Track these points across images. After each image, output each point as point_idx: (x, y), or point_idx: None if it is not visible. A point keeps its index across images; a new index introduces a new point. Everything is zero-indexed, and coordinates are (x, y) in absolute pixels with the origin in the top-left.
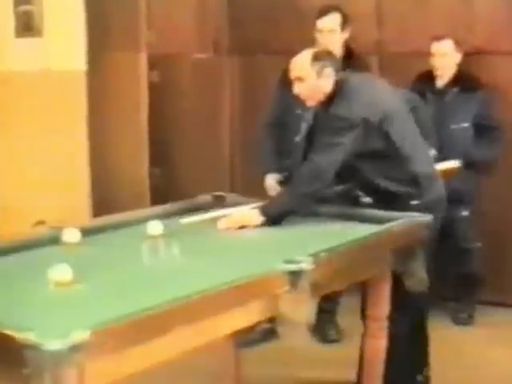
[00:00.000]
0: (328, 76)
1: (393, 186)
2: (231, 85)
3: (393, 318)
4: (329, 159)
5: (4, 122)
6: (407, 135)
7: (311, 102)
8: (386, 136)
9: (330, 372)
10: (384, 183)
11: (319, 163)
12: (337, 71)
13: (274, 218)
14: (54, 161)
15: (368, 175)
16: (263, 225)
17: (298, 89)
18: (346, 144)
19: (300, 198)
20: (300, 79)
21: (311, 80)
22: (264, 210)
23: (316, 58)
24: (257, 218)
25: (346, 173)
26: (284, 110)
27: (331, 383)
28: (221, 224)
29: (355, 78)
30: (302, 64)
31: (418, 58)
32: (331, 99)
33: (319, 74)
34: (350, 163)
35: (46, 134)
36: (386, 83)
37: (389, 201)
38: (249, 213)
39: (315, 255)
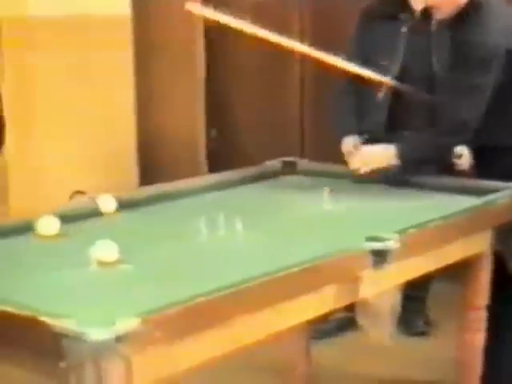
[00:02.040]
0: None
1: (505, 139)
2: (300, 31)
3: (493, 308)
4: (470, 106)
5: (35, 80)
6: None
7: (443, 12)
8: None
9: (416, 370)
10: (494, 135)
11: (459, 112)
12: None
13: (409, 165)
14: (94, 123)
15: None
16: (394, 170)
17: None
18: (488, 84)
19: (439, 149)
20: None
21: None
22: (401, 154)
23: None
24: (392, 159)
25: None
26: (365, 59)
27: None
28: (353, 163)
29: None
30: None
31: None
32: (460, 20)
33: None
34: None
35: (84, 92)
36: None
37: (494, 162)
38: (383, 153)
39: (403, 232)
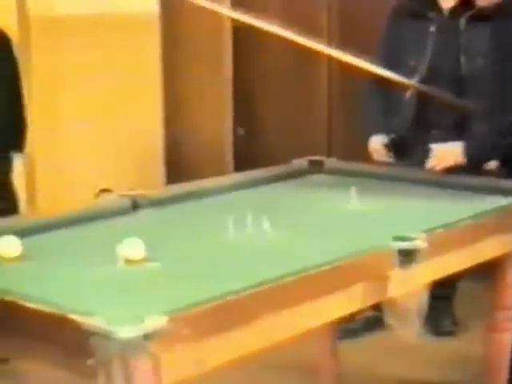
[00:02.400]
0: None
1: None
2: (329, 28)
3: None
4: None
5: (61, 78)
6: None
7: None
8: None
9: (443, 370)
10: None
11: None
12: None
13: (476, 162)
14: (122, 121)
15: None
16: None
17: None
18: None
19: (502, 149)
20: None
21: None
22: (468, 152)
23: None
24: (460, 157)
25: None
26: (393, 58)
27: None
28: (428, 163)
29: None
30: None
31: None
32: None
33: None
34: None
35: (111, 90)
36: None
37: None
38: (452, 150)
39: (430, 232)
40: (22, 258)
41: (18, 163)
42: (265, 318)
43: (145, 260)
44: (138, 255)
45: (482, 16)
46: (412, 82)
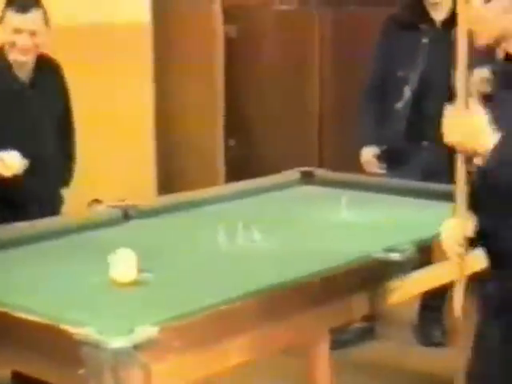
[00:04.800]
0: None
1: None
2: (320, 43)
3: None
4: None
5: None
6: None
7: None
8: None
9: (434, 381)
10: None
11: None
12: None
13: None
14: (113, 130)
15: None
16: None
17: None
18: None
19: None
20: None
21: None
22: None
23: None
24: (487, 144)
25: None
26: (385, 70)
27: None
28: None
29: None
30: None
31: None
32: None
33: None
34: None
35: (103, 98)
36: None
37: None
38: (481, 132)
39: (420, 242)
40: (14, 267)
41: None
42: (257, 328)
43: (137, 270)
44: (129, 266)
45: None
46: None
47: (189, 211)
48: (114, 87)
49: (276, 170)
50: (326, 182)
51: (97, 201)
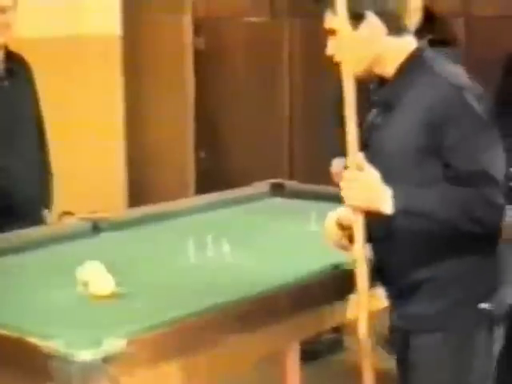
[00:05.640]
0: None
1: None
2: (290, 54)
3: None
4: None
5: None
6: None
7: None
8: None
9: None
10: None
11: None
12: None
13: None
14: (83, 141)
15: None
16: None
17: None
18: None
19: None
20: None
21: None
22: (399, 204)
23: None
24: (387, 207)
25: None
26: None
27: None
28: (346, 193)
29: None
30: None
31: None
32: None
33: None
34: None
35: (73, 110)
36: None
37: None
38: (379, 196)
39: None
40: None
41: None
42: (226, 340)
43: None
44: (98, 279)
45: (442, 40)
46: None
47: (159, 223)
48: (84, 99)
49: (247, 181)
50: (296, 194)
51: (67, 213)
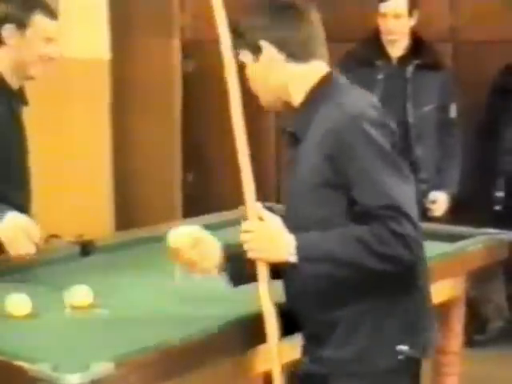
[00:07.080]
0: None
1: None
2: None
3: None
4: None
5: None
6: None
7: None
8: None
9: None
10: None
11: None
12: None
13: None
14: (70, 164)
15: None
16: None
17: None
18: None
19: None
20: None
21: None
22: (302, 252)
23: None
24: (290, 257)
25: None
26: None
27: None
28: (247, 245)
29: None
30: None
31: (498, 46)
32: None
33: None
34: None
35: (60, 133)
36: None
37: None
38: (281, 246)
39: None
40: None
41: None
42: (215, 363)
43: (92, 306)
44: (85, 301)
45: (429, 64)
46: None
47: (146, 247)
48: (71, 121)
49: (233, 205)
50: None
51: (54, 236)
